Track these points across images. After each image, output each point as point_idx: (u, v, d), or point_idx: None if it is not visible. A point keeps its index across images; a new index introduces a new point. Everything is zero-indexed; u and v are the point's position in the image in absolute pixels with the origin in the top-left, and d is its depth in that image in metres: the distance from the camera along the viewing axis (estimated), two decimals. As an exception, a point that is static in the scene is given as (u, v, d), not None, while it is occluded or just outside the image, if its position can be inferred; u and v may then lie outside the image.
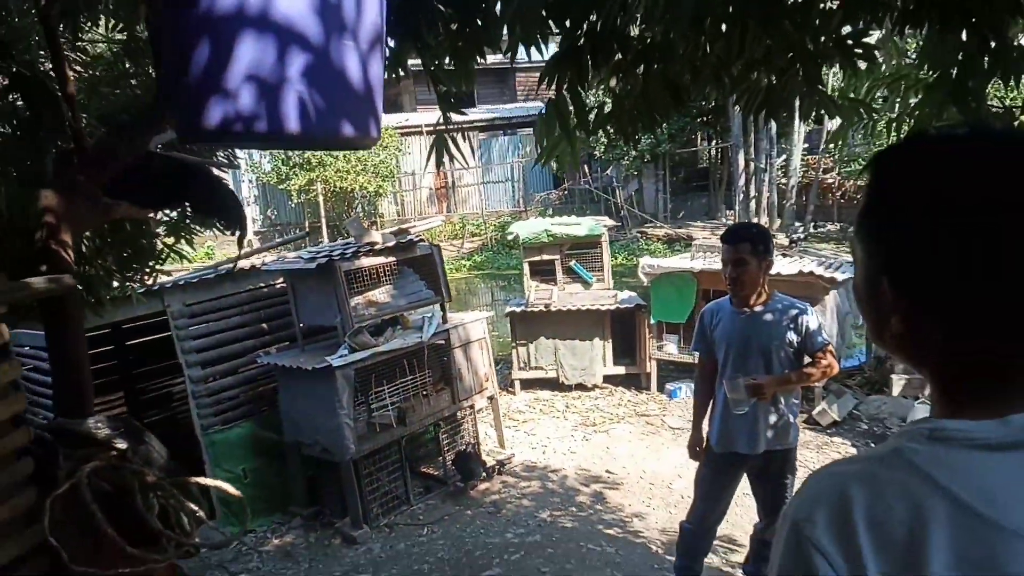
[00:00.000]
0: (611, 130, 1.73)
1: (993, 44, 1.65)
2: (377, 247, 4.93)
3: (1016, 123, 1.87)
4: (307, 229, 15.20)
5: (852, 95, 2.36)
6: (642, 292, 7.69)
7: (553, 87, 1.56)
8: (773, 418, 3.01)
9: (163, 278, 4.23)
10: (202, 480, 1.11)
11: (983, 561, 0.60)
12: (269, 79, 0.86)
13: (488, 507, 4.98)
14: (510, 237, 8.14)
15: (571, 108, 1.55)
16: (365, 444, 4.72)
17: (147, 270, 2.87)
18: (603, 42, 1.46)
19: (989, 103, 1.83)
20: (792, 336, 2.96)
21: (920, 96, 2.10)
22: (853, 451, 5.53)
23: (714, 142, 19.40)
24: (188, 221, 2.32)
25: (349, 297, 4.71)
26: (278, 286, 5.31)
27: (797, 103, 2.15)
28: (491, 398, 5.74)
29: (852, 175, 17.23)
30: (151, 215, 2.43)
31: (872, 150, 16.84)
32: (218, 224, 2.15)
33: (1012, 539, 0.60)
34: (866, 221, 0.74)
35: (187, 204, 1.86)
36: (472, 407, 5.56)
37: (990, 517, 0.61)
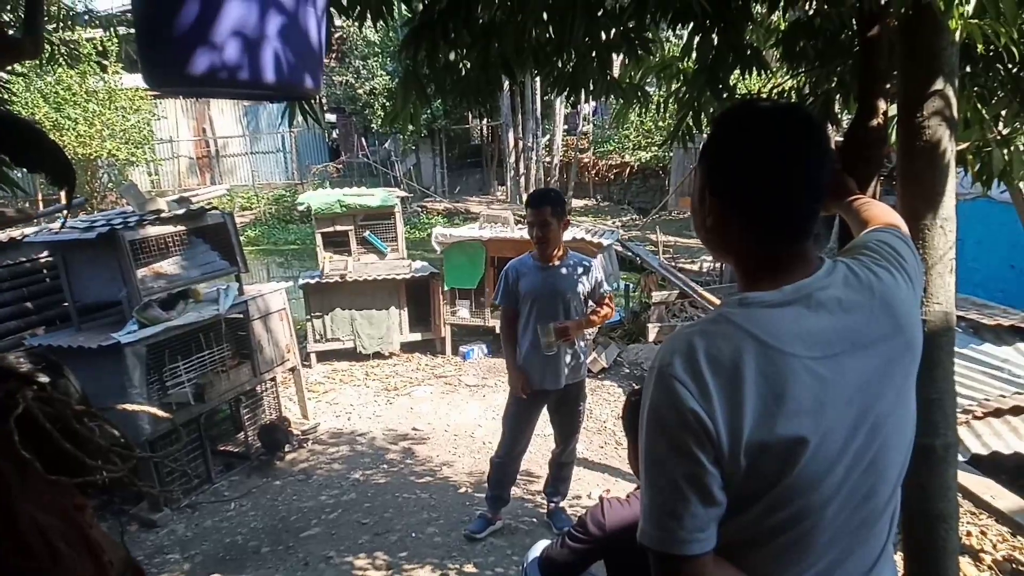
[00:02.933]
0: (455, 97, 1.99)
1: (735, 43, 2.19)
2: (164, 215, 4.65)
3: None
4: (40, 203, 13.21)
5: (628, 81, 2.84)
6: (433, 261, 8.05)
7: (409, 57, 1.77)
8: (570, 356, 3.52)
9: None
10: (129, 406, 1.14)
11: (773, 372, 0.98)
12: (250, 35, 0.97)
13: (298, 475, 5.01)
14: (301, 208, 7.96)
15: (427, 75, 1.79)
16: (161, 424, 4.48)
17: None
18: (455, 20, 1.71)
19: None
20: (584, 286, 3.48)
21: (681, 83, 2.65)
22: (620, 391, 6.43)
23: (485, 120, 20.30)
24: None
25: (135, 269, 4.41)
26: (41, 260, 4.76)
27: (591, 85, 2.57)
28: (293, 369, 5.71)
29: (604, 155, 19.23)
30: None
31: (621, 133, 18.95)
32: (44, 177, 1.98)
33: (788, 357, 0.99)
34: (703, 154, 1.11)
35: (6, 156, 1.75)
36: (274, 380, 5.50)
37: (775, 346, 0.99)
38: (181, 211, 4.72)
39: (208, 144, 18.27)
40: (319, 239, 7.14)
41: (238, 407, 5.19)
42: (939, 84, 1.56)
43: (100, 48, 11.46)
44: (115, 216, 4.66)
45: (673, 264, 9.88)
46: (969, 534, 3.92)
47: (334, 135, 20.81)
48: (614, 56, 2.58)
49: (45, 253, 4.73)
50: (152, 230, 4.56)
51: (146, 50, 1.00)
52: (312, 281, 7.08)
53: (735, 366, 0.97)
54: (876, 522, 1.07)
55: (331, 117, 19.79)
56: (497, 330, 7.31)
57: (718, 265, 9.59)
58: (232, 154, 18.53)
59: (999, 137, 1.99)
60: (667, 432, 0.99)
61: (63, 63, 6.53)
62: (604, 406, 6.00)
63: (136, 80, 14.62)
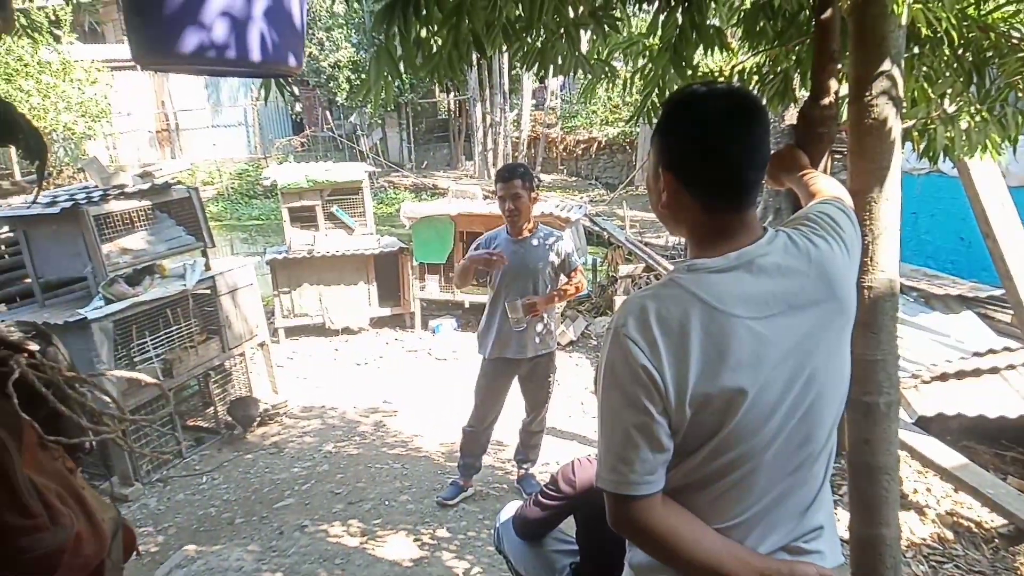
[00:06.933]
0: (427, 72, 2.03)
1: (699, 22, 2.27)
2: (128, 190, 4.60)
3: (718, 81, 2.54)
4: (18, 177, 12.77)
5: (596, 57, 2.90)
6: (401, 236, 8.07)
7: (381, 33, 1.81)
8: (539, 328, 3.61)
9: None
10: (116, 372, 1.18)
11: (717, 331, 1.08)
12: (238, 14, 1.01)
13: (269, 448, 5.05)
14: (266, 183, 7.89)
15: (400, 52, 1.83)
16: (129, 400, 4.47)
17: None
18: (425, -1, 1.76)
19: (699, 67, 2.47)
20: (554, 259, 3.56)
21: (647, 60, 2.72)
22: (588, 363, 6.57)
23: (452, 94, 20.15)
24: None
25: (100, 244, 4.36)
26: (1, 236, 4.67)
27: (560, 61, 2.63)
28: (262, 344, 5.71)
29: (572, 130, 19.26)
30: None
31: (589, 109, 18.97)
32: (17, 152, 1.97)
33: (730, 317, 1.09)
34: (655, 133, 1.19)
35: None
36: (243, 355, 5.50)
37: (719, 307, 1.09)
38: (145, 186, 4.67)
39: (168, 117, 17.82)
40: (286, 214, 7.10)
41: (207, 382, 5.20)
42: (886, 65, 1.65)
43: (53, 17, 11.03)
44: (78, 191, 4.59)
45: (640, 239, 10.03)
46: (915, 491, 4.15)
47: (298, 108, 20.48)
48: (582, 33, 2.64)
49: (5, 229, 4.64)
50: (116, 205, 4.52)
51: (136, 28, 1.03)
52: (279, 256, 7.06)
53: (682, 326, 1.07)
54: (813, 464, 1.18)
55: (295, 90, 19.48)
56: (467, 304, 7.41)
57: (683, 240, 9.76)
58: (193, 128, 18.12)
59: (943, 115, 2.11)
60: (620, 386, 1.09)
61: (22, 33, 6.30)
62: (572, 377, 6.13)
63: (92, 51, 14.12)
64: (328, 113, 18.32)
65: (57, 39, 12.93)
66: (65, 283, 4.70)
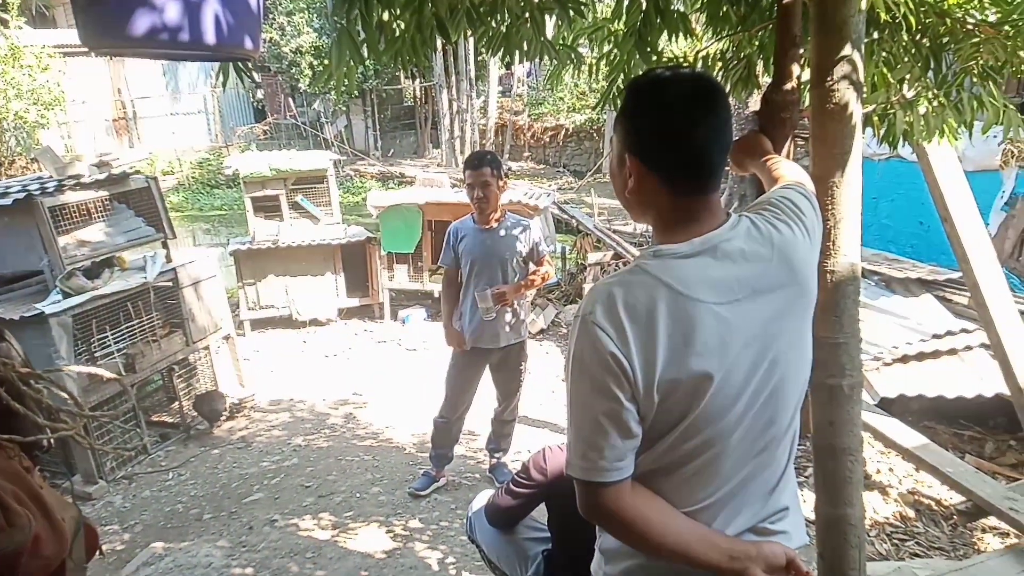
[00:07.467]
0: (390, 57, 2.01)
1: (663, 7, 2.28)
2: (84, 180, 4.47)
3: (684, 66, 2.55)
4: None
5: (562, 42, 2.90)
6: (368, 226, 7.99)
7: (342, 17, 1.78)
8: (509, 317, 3.61)
9: None
10: (75, 368, 1.14)
11: (683, 317, 1.09)
12: None
13: (237, 443, 4.99)
14: (227, 172, 7.73)
15: (362, 36, 1.80)
16: (91, 396, 4.37)
17: None
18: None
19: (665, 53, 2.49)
20: (522, 248, 3.55)
21: (612, 45, 2.72)
22: (558, 351, 6.61)
23: (417, 81, 19.95)
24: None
25: (56, 237, 4.24)
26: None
27: (525, 46, 2.62)
28: (227, 337, 5.63)
29: (539, 118, 19.22)
30: None
31: (555, 96, 18.95)
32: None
33: (696, 303, 1.10)
34: (619, 119, 1.19)
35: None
36: (207, 348, 5.41)
37: (685, 293, 1.10)
38: (102, 176, 4.55)
39: (125, 105, 17.35)
40: (249, 204, 6.97)
41: (171, 377, 5.11)
42: (847, 50, 1.68)
43: (-1, 0, 10.62)
44: (31, 181, 4.45)
45: (608, 226, 10.07)
46: (878, 471, 4.26)
47: (259, 95, 20.08)
48: (547, 18, 2.63)
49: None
50: (72, 196, 4.39)
51: (83, 9, 0.99)
52: (243, 247, 6.94)
53: (649, 312, 1.08)
54: (777, 447, 1.20)
55: (255, 76, 19.07)
56: (436, 294, 7.37)
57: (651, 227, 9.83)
58: (151, 116, 17.67)
59: (902, 100, 2.15)
60: (589, 373, 1.09)
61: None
62: (543, 365, 6.16)
63: (43, 36, 13.64)
64: (291, 100, 18.03)
65: (4, 23, 12.49)
66: (20, 277, 4.56)
